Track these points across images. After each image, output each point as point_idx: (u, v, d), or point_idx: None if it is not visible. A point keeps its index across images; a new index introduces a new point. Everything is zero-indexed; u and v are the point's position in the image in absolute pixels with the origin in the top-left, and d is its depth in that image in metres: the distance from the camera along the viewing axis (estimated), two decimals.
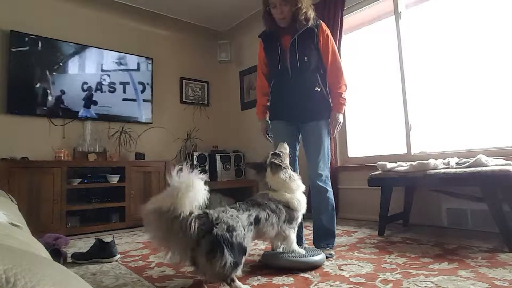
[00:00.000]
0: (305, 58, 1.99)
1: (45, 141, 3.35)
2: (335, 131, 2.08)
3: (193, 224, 1.28)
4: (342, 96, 2.05)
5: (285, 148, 1.88)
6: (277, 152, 1.83)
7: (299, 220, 1.77)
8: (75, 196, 3.24)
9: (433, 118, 2.87)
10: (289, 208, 1.67)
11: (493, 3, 2.56)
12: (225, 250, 1.28)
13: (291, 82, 2.02)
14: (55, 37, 3.45)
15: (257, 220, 1.50)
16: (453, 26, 2.78)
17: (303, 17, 1.94)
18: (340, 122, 2.06)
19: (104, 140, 3.66)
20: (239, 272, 1.37)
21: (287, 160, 1.83)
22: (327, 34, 2.04)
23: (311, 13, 1.98)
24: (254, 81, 4.45)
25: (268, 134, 2.25)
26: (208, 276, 1.37)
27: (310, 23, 1.98)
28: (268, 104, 2.19)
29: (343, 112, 2.08)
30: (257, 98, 2.28)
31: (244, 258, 1.40)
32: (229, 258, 1.28)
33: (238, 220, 1.41)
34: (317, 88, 2.03)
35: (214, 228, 1.31)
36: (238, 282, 1.36)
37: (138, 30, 4.12)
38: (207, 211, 1.39)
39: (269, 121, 2.21)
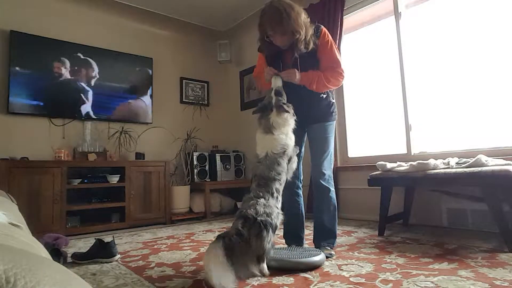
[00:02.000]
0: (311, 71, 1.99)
1: (45, 141, 3.36)
2: (285, 75, 1.94)
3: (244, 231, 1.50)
4: (322, 82, 1.93)
5: (280, 81, 1.93)
6: (279, 90, 1.91)
7: (292, 151, 1.87)
8: (75, 196, 3.24)
9: (433, 118, 2.87)
10: (285, 152, 1.80)
11: (493, 3, 2.57)
12: (270, 230, 1.55)
13: (296, 94, 2.02)
14: (55, 37, 3.45)
15: (278, 191, 1.72)
16: (453, 26, 2.78)
17: (302, 46, 1.90)
18: (295, 78, 1.92)
19: (104, 140, 3.66)
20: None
21: (285, 96, 1.93)
22: (327, 41, 1.98)
23: (310, 32, 1.91)
24: (254, 81, 4.46)
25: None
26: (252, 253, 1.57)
27: (311, 46, 1.93)
28: None
29: (300, 81, 1.94)
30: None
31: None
32: (271, 236, 1.56)
33: (271, 204, 1.63)
34: (322, 95, 2.04)
35: (258, 218, 1.53)
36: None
37: (138, 30, 4.13)
38: (244, 212, 1.56)
39: None
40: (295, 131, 2.06)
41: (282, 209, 2.18)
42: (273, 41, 1.94)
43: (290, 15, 1.79)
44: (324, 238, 2.01)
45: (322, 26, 2.02)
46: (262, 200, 1.63)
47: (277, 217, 1.62)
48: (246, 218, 1.54)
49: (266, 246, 1.54)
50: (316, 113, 2.06)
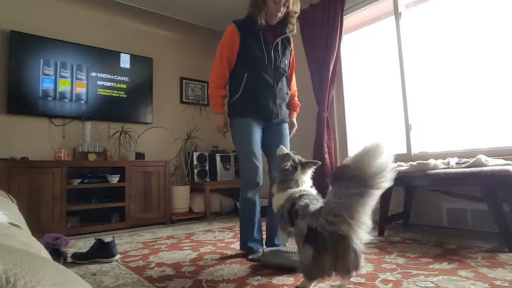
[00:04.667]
0: (286, 61, 2.07)
1: (45, 141, 3.35)
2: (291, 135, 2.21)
3: None
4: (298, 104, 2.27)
5: (286, 150, 1.86)
6: (290, 153, 1.82)
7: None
8: (75, 196, 3.25)
9: (433, 118, 2.87)
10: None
11: (493, 3, 2.57)
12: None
13: (271, 81, 1.99)
14: (55, 37, 3.45)
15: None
16: (453, 26, 2.78)
17: (294, 21, 2.00)
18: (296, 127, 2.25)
19: (104, 140, 3.66)
20: None
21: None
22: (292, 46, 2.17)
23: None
24: None
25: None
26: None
27: (292, 30, 2.04)
28: (230, 97, 2.08)
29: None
30: (212, 88, 2.05)
31: None
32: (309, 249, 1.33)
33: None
34: (288, 91, 2.15)
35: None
36: None
37: (138, 30, 4.12)
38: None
39: (229, 117, 2.11)
40: (258, 129, 2.04)
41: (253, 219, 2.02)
42: (272, 7, 1.92)
43: None
44: None
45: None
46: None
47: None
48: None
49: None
50: (283, 109, 2.09)
